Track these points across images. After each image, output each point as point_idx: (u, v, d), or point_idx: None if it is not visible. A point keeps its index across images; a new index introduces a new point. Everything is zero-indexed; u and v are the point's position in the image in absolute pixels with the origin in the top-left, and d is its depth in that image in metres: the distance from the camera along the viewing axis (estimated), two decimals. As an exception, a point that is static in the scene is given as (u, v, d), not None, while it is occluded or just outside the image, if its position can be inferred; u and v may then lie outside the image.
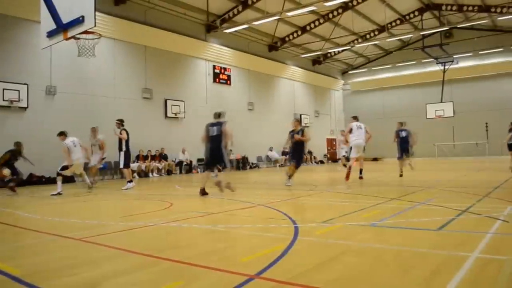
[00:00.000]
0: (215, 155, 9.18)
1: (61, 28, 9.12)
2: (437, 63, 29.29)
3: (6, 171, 10.80)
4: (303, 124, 29.74)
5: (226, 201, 8.30)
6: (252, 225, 5.29)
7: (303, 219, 5.67)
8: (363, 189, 9.52)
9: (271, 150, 26.03)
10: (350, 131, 12.38)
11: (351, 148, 12.71)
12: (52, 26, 9.32)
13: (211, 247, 4.22)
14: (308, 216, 6.10)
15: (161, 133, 20.11)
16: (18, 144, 11.19)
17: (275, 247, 3.99)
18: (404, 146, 13.89)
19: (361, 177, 12.25)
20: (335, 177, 14.93)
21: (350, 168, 11.83)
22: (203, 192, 9.17)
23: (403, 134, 14.05)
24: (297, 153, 10.82)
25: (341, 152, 17.41)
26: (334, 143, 33.86)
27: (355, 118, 12.87)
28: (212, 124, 9.40)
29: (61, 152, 11.08)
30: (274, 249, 3.88)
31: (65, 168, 10.99)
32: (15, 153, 11.07)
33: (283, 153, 27.12)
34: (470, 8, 25.37)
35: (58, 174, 11.04)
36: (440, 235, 4.43)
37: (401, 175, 13.36)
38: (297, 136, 10.55)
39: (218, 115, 9.55)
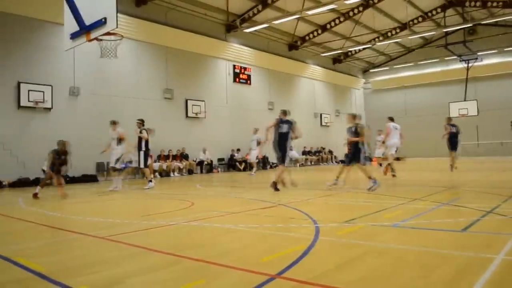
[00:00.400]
0: (283, 150, 9.81)
1: (84, 30, 9.27)
2: (460, 61, 28.74)
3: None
4: (326, 122, 29.57)
5: (246, 200, 8.32)
6: (272, 225, 5.28)
7: (324, 219, 5.63)
8: (386, 189, 9.40)
9: (291, 150, 25.94)
10: (389, 132, 12.93)
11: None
12: (75, 28, 9.48)
13: (232, 246, 4.23)
14: (329, 216, 6.05)
15: (182, 133, 20.27)
16: (61, 143, 10.56)
17: (296, 247, 3.98)
18: (454, 141, 14.66)
19: (394, 175, 12.82)
20: (357, 177, 14.79)
21: (389, 165, 12.76)
22: (283, 184, 9.89)
23: (454, 129, 14.77)
24: (351, 152, 9.89)
25: (377, 152, 17.53)
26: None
27: (391, 119, 13.45)
28: (283, 121, 9.89)
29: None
30: (295, 249, 3.87)
31: (118, 160, 11.21)
32: (59, 152, 10.47)
33: (304, 153, 27.05)
34: (495, 4, 24.79)
35: (115, 169, 11.31)
36: (464, 236, 4.35)
37: (455, 168, 14.41)
38: (350, 138, 9.81)
39: (285, 112, 10.11)
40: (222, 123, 22.25)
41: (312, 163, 27.31)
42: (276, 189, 9.66)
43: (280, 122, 9.88)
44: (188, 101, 20.62)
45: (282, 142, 9.84)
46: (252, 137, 17.72)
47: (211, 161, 21.24)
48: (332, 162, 29.56)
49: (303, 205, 7.15)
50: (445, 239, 4.27)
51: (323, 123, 29.96)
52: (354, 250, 3.88)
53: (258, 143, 17.37)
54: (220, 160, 22.16)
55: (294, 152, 25.78)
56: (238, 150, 22.48)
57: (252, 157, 18.19)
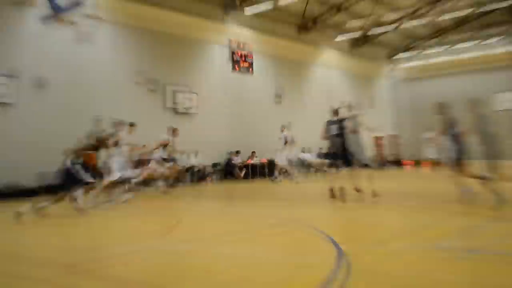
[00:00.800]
0: (343, 152, 10.12)
1: (56, 11, 9.09)
2: (504, 44, 28.51)
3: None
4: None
5: (248, 217, 8.21)
6: (282, 249, 5.18)
7: (349, 239, 5.52)
8: (424, 200, 9.21)
9: (303, 152, 25.65)
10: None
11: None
12: (46, 9, 9.28)
13: (229, 278, 4.05)
14: (355, 236, 5.96)
15: (160, 130, 19.64)
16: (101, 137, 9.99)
17: (313, 277, 3.79)
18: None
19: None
20: (388, 185, 14.59)
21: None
22: (332, 195, 9.73)
23: None
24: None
25: (429, 152, 17.65)
26: (381, 142, 33.22)
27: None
28: (331, 123, 10.18)
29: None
30: (312, 281, 3.68)
31: None
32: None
33: (319, 156, 26.67)
34: (547, -26, 24.51)
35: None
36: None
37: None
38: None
39: (335, 111, 10.38)
40: (218, 120, 21.94)
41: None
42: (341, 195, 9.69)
43: (329, 123, 10.21)
44: (176, 93, 20.35)
45: (335, 144, 10.13)
46: (279, 135, 17.78)
47: (204, 166, 20.92)
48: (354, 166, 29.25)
49: (321, 222, 7.05)
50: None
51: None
52: (389, 283, 3.62)
53: (286, 142, 17.60)
54: (214, 165, 21.86)
55: (307, 155, 25.53)
56: (238, 152, 22.19)
57: (281, 160, 18.06)
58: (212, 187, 17.76)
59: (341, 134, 10.04)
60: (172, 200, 12.28)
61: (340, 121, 10.18)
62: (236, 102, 22.93)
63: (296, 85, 26.91)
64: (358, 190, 9.83)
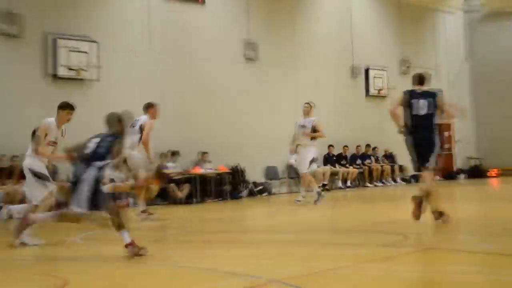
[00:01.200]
0: (427, 147, 11.09)
1: None
2: None
3: None
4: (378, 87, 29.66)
5: (194, 272, 8.19)
6: None
7: None
8: None
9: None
10: None
11: None
12: None
13: None
14: None
15: (41, 115, 19.67)
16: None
17: None
18: None
19: None
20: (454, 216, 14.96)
21: None
22: (439, 215, 10.99)
23: None
24: None
25: None
26: (448, 134, 33.09)
27: None
28: (417, 94, 11.19)
29: None
30: None
31: None
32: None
33: (327, 160, 26.67)
34: None
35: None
36: None
37: None
38: None
39: (421, 79, 11.59)
40: (138, 92, 21.91)
41: (349, 182, 27.16)
42: (440, 216, 10.96)
43: (412, 97, 11.15)
44: (58, 41, 20.45)
45: (421, 134, 11.08)
46: (299, 121, 18.06)
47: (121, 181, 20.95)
48: (395, 180, 29.26)
49: (322, 282, 7.04)
50: None
51: (373, 91, 29.93)
52: None
53: (314, 135, 17.89)
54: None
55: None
56: (175, 154, 22.17)
57: (301, 165, 18.64)
58: (130, 215, 17.84)
59: (428, 116, 10.91)
60: (56, 238, 12.37)
61: (432, 95, 11.10)
62: (174, 58, 22.93)
63: (286, 25, 27.17)
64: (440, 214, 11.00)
